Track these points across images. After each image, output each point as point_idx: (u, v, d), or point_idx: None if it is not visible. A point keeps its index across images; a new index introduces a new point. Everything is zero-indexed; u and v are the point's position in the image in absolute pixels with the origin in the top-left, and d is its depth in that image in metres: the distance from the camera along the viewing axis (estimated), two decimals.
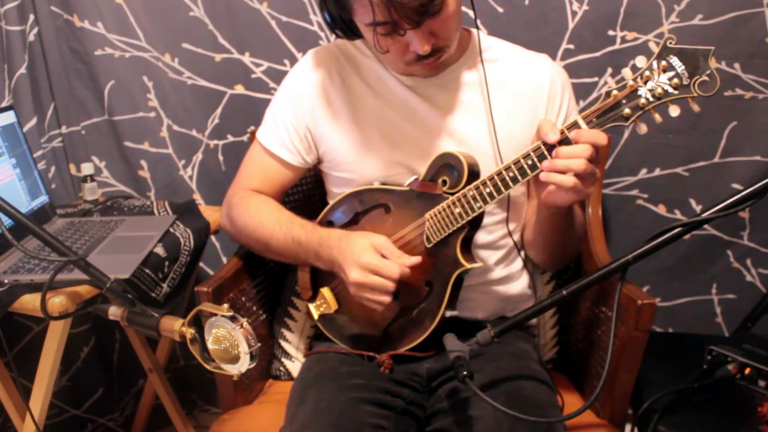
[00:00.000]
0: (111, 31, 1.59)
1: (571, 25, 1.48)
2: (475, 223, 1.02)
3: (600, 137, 0.87)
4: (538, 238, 1.13)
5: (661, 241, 0.85)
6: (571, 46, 1.49)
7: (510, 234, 1.13)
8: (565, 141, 0.89)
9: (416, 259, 1.00)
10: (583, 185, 0.89)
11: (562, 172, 0.88)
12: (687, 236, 1.48)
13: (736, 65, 1.45)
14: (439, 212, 1.01)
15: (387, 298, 0.99)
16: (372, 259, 0.98)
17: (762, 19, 1.41)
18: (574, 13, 1.47)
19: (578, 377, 1.25)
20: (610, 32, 1.47)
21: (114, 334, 1.78)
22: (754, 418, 1.13)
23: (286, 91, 1.18)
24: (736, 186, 1.52)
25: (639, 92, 0.85)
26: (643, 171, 1.56)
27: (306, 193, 1.41)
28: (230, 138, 1.67)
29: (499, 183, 0.94)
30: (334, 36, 1.07)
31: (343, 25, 1.02)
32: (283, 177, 1.20)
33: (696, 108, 0.83)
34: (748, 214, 1.55)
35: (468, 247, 1.03)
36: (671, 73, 0.82)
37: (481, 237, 1.11)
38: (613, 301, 0.88)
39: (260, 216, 1.14)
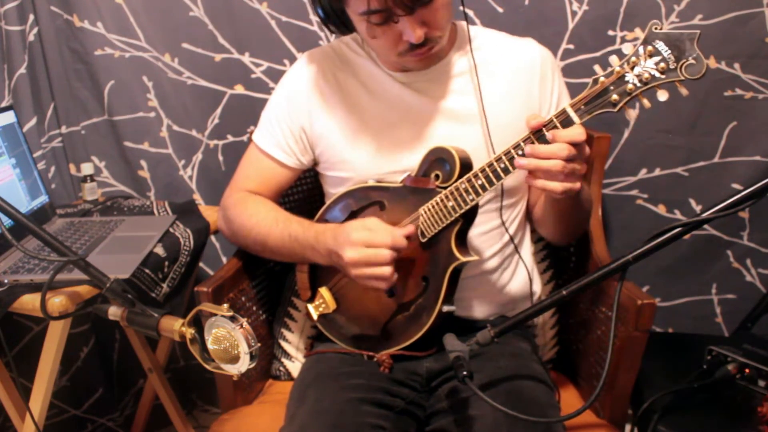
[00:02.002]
0: (111, 31, 1.59)
1: (571, 25, 1.48)
2: (469, 216, 1.02)
3: (577, 134, 0.87)
4: (547, 217, 1.14)
5: (661, 241, 0.85)
6: (571, 46, 1.49)
7: (504, 225, 1.13)
8: (551, 125, 0.89)
9: (409, 229, 1.00)
10: (567, 181, 0.89)
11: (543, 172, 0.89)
12: (687, 236, 1.48)
13: (736, 65, 1.45)
14: (433, 206, 1.01)
15: (387, 270, 0.97)
16: (362, 234, 0.98)
17: (762, 19, 1.41)
18: (574, 13, 1.47)
19: (578, 377, 1.25)
20: (610, 32, 1.47)
21: (114, 334, 1.78)
22: (754, 418, 1.13)
23: (281, 93, 1.19)
24: (736, 186, 1.52)
25: (626, 78, 0.84)
26: (643, 171, 1.56)
27: (305, 193, 1.41)
28: (230, 138, 1.67)
29: (491, 174, 0.94)
30: (333, 37, 1.07)
31: (336, 19, 1.02)
32: (280, 178, 1.20)
33: (684, 92, 0.83)
34: (748, 214, 1.55)
35: (463, 240, 1.04)
36: (658, 58, 0.82)
37: (476, 229, 1.11)
38: (613, 301, 0.88)
39: (257, 216, 1.14)
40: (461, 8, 1.07)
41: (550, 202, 1.09)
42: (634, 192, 1.58)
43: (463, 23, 1.11)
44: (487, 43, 1.14)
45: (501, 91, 1.11)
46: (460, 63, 1.12)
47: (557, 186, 0.90)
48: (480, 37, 1.14)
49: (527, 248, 1.22)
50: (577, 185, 0.91)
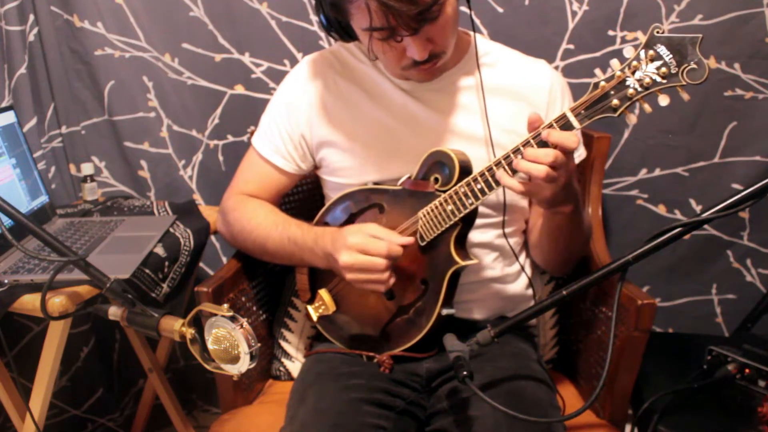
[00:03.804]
0: (111, 31, 1.59)
1: (571, 25, 1.48)
2: (469, 220, 1.02)
3: (569, 140, 0.86)
4: (542, 241, 1.13)
5: (661, 241, 0.85)
6: (571, 46, 1.49)
7: (505, 236, 1.13)
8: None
9: (408, 239, 1.00)
10: (548, 186, 0.90)
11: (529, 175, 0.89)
12: (687, 236, 1.48)
13: (736, 65, 1.45)
14: (432, 210, 1.00)
15: (382, 276, 0.98)
16: (359, 239, 0.98)
17: (762, 19, 1.41)
18: (574, 13, 1.47)
19: (578, 377, 1.25)
20: (610, 32, 1.47)
21: (114, 334, 1.78)
22: (754, 418, 1.13)
23: (280, 99, 1.18)
24: (736, 186, 1.52)
25: (627, 82, 0.84)
26: (643, 171, 1.56)
27: (305, 194, 1.41)
28: (230, 138, 1.67)
29: (490, 179, 0.94)
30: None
31: (339, 28, 1.01)
32: (279, 182, 1.20)
33: (686, 96, 0.82)
34: (748, 214, 1.55)
35: (462, 244, 1.03)
36: (659, 63, 0.81)
37: (476, 236, 1.11)
38: (613, 301, 0.88)
39: (257, 219, 1.14)
40: (465, 9, 1.06)
41: (546, 221, 1.08)
42: (634, 192, 1.58)
43: (474, 35, 1.10)
44: (498, 61, 1.13)
45: (507, 113, 1.10)
46: (468, 78, 1.11)
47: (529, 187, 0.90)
48: (493, 54, 1.13)
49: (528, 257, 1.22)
50: (548, 192, 0.91)
